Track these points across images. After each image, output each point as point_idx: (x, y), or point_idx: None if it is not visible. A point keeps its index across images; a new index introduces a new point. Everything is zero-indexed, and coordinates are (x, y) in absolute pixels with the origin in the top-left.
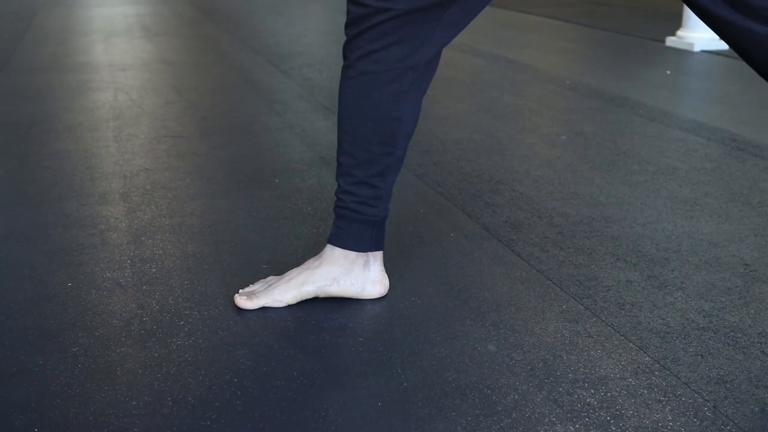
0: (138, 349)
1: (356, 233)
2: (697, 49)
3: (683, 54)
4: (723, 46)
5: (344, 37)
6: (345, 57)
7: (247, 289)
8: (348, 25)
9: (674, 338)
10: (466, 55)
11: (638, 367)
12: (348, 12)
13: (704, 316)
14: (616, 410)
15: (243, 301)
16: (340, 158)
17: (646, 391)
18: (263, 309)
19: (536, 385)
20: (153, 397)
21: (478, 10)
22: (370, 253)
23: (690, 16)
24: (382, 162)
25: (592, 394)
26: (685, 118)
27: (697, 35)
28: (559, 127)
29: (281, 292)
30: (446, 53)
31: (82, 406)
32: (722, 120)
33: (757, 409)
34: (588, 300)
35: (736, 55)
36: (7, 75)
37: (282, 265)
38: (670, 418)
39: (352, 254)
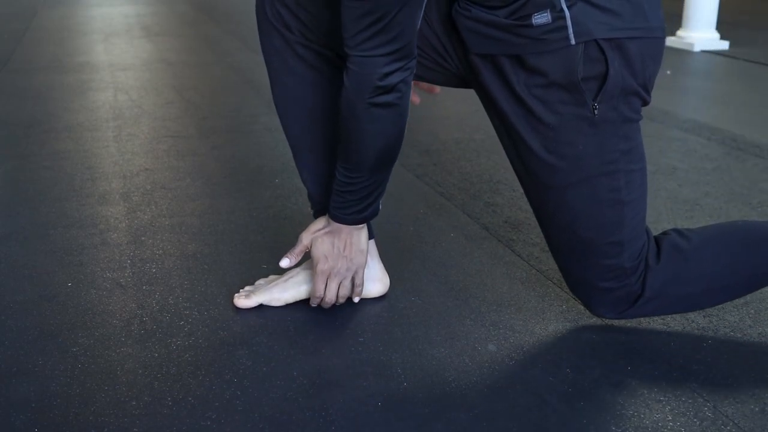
0: (138, 349)
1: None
2: (697, 49)
3: (683, 54)
4: (723, 46)
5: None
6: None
7: (247, 288)
8: None
9: (674, 338)
10: None
11: (638, 367)
12: None
13: (704, 316)
14: (616, 410)
15: (241, 300)
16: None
17: (646, 391)
18: (263, 309)
19: (536, 385)
20: (153, 397)
21: None
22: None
23: (690, 16)
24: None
25: (593, 394)
26: (685, 118)
27: (697, 35)
28: None
29: (280, 291)
30: None
31: (82, 406)
32: (722, 120)
33: (757, 409)
34: None
35: (736, 55)
36: (7, 75)
37: None
38: (670, 418)
39: None
